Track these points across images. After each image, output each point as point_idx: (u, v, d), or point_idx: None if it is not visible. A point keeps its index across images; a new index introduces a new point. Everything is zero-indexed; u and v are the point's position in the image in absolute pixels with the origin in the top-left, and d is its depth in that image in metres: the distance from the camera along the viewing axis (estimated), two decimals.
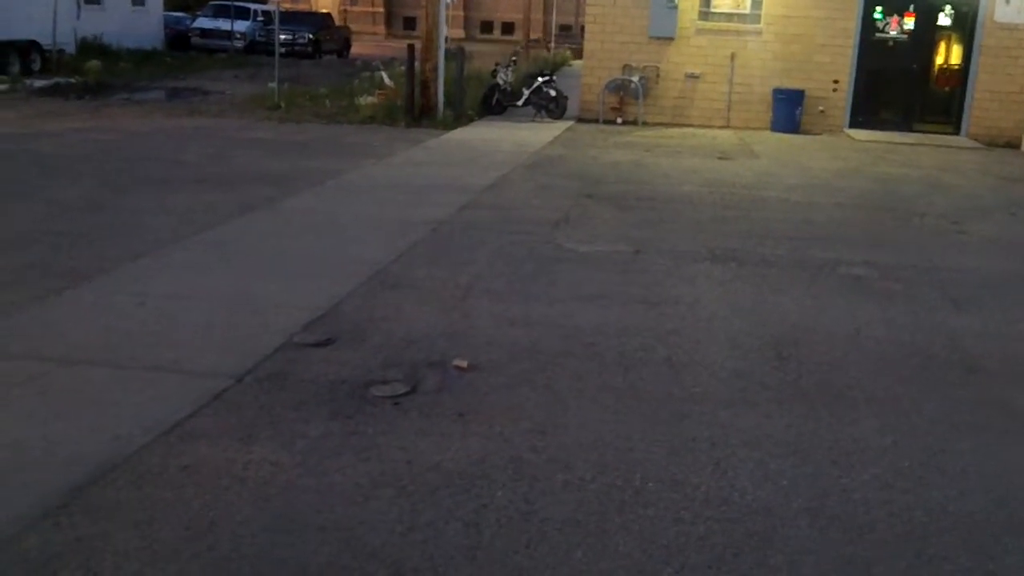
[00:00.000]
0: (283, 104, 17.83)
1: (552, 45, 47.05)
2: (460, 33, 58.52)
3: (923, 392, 5.04)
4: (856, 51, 18.16)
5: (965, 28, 18.07)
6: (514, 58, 21.53)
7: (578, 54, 31.64)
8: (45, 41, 22.88)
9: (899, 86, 18.54)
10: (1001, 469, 4.17)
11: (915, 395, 4.99)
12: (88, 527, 3.35)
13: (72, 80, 20.81)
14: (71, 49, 24.80)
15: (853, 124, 18.32)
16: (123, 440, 3.99)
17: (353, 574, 3.14)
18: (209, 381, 4.67)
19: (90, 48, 25.83)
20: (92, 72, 21.61)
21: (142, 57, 27.28)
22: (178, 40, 33.28)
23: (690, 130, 17.73)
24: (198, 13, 35.95)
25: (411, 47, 16.84)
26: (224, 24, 33.72)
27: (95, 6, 27.57)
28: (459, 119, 16.89)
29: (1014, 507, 3.83)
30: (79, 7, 26.05)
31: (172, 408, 4.33)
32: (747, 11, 18.20)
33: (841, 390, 5.01)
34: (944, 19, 18.33)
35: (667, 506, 3.70)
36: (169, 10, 34.48)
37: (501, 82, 18.69)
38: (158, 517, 3.42)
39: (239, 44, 33.68)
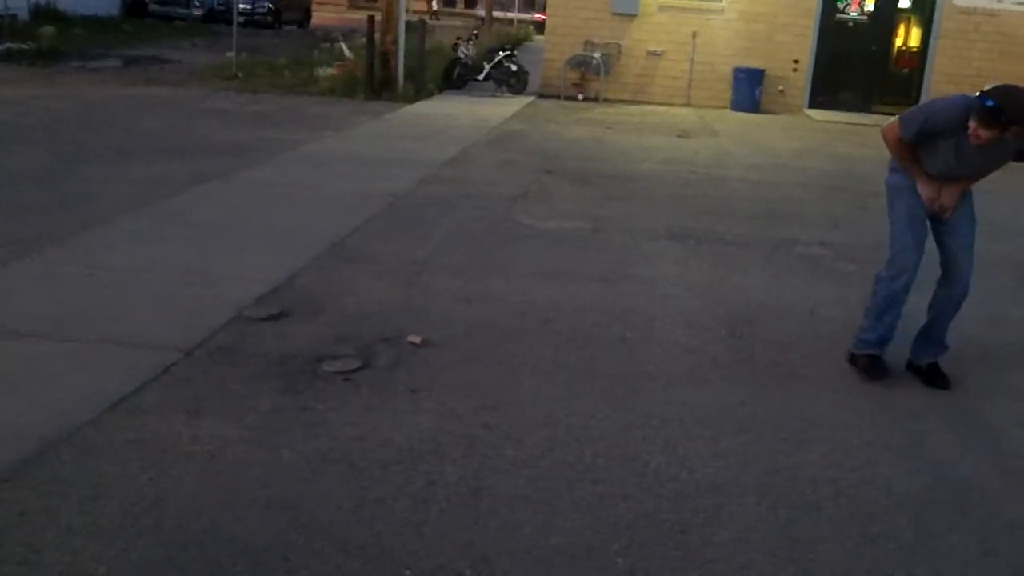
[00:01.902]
0: (241, 74, 17.63)
1: (516, 19, 46.81)
2: (423, 6, 58.02)
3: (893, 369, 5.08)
4: (817, 32, 18.25)
5: (924, 11, 18.21)
6: (475, 32, 21.41)
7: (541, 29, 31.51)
8: None
9: (859, 67, 18.66)
10: (946, 448, 4.22)
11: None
12: (32, 502, 3.29)
13: (24, 46, 20.39)
14: (24, 15, 24.32)
15: (813, 104, 18.43)
16: (68, 414, 3.93)
17: (300, 550, 3.12)
18: (158, 354, 4.61)
19: (43, 14, 25.38)
20: (45, 38, 21.18)
21: (98, 24, 26.81)
22: (135, 7, 32.73)
23: (651, 107, 17.74)
24: None
25: (371, 19, 16.70)
26: None
27: None
28: (420, 93, 16.78)
29: (958, 487, 3.87)
30: None
31: (119, 382, 4.26)
32: None
33: (794, 368, 5.04)
34: (904, 1, 18.45)
35: (617, 483, 3.71)
36: None
37: (462, 56, 18.59)
38: (103, 493, 3.37)
39: (198, 13, 33.21)
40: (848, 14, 18.41)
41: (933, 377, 4.95)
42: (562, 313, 5.64)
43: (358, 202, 8.17)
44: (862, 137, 15.38)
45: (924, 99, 18.09)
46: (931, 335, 5.00)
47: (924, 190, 4.78)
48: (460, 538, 3.25)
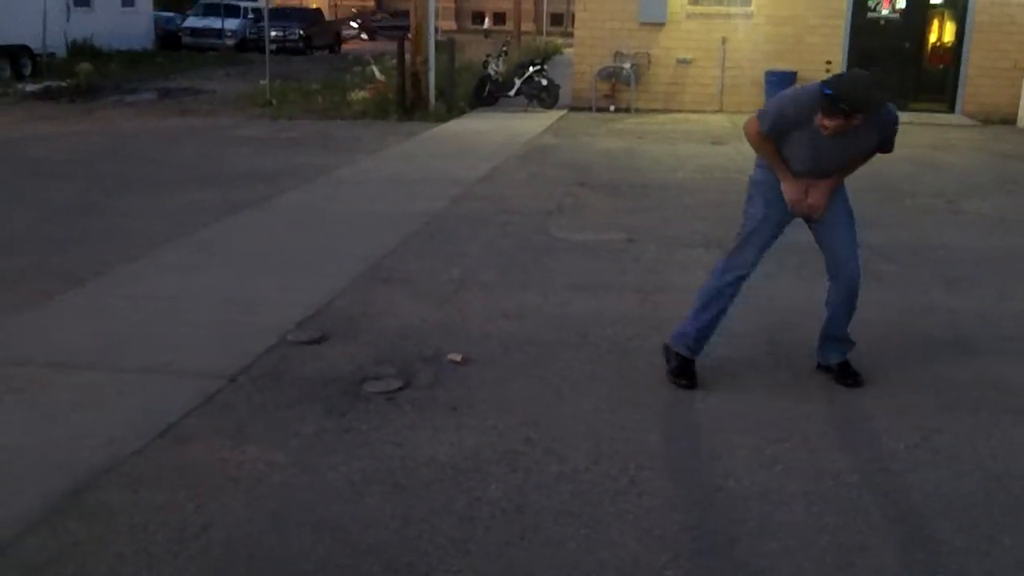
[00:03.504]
0: (275, 101, 17.80)
1: (544, 33, 46.95)
2: (452, 25, 58.36)
3: (917, 373, 5.03)
4: (848, 31, 18.11)
5: (957, 5, 18.02)
6: (505, 48, 21.48)
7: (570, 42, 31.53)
8: (35, 45, 22.79)
9: (892, 65, 18.49)
10: (997, 449, 4.17)
11: (909, 376, 4.98)
12: (83, 531, 3.34)
13: (63, 83, 20.77)
14: (61, 52, 24.74)
15: None
16: (117, 443, 3.99)
17: (347, 572, 3.14)
18: (202, 382, 4.67)
19: (80, 50, 25.78)
20: (83, 74, 21.54)
21: (133, 58, 27.22)
22: (169, 40, 33.20)
23: (683, 115, 17.70)
24: (188, 12, 35.84)
25: (401, 40, 16.82)
26: (214, 22, 33.62)
27: (84, 8, 27.51)
28: (451, 111, 16.85)
29: (1010, 487, 3.82)
30: (68, 9, 25.97)
31: (165, 410, 4.32)
32: None
33: (835, 374, 5.00)
34: None
35: (662, 495, 3.70)
36: (159, 9, 34.39)
37: (492, 73, 18.64)
38: (152, 520, 3.42)
39: (230, 42, 33.59)
40: (879, 12, 18.26)
41: (844, 376, 4.84)
42: (599, 325, 5.64)
43: (393, 223, 8.22)
44: (898, 136, 15.21)
45: (960, 94, 17.97)
46: (831, 335, 4.90)
47: (789, 191, 4.62)
48: (505, 555, 3.26)
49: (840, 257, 4.74)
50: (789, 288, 6.49)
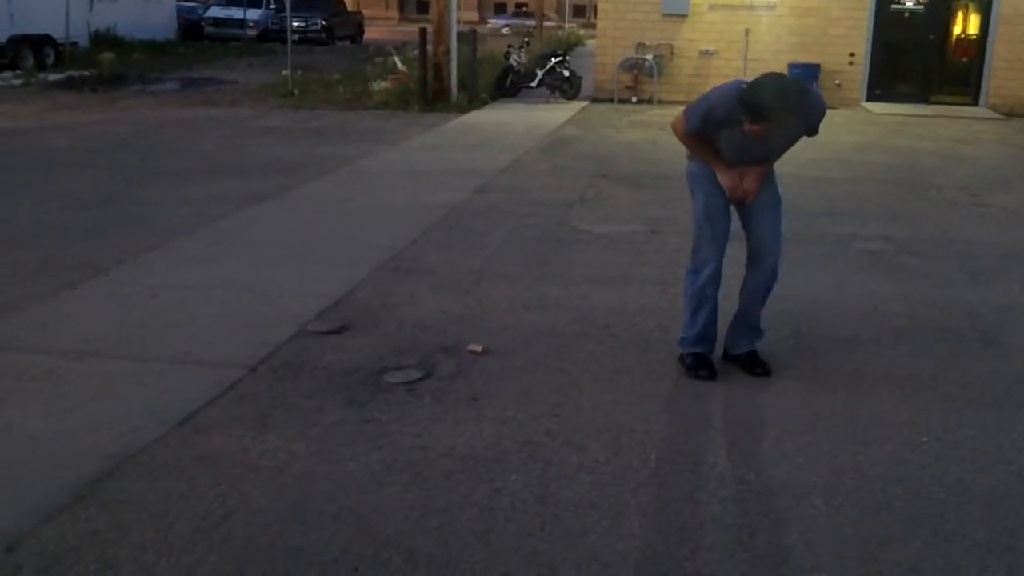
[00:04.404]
0: (297, 91, 17.83)
1: (566, 24, 46.84)
2: (474, 16, 58.31)
3: (940, 367, 5.00)
4: (872, 23, 17.98)
5: None
6: (527, 39, 21.44)
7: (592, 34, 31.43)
8: (58, 35, 22.91)
9: (916, 58, 18.37)
10: (1020, 443, 4.13)
11: (932, 370, 4.95)
12: (104, 520, 3.36)
13: (86, 73, 20.85)
14: (84, 42, 24.82)
15: (870, 97, 18.16)
16: (137, 432, 4.00)
17: (367, 562, 3.14)
18: (223, 371, 4.68)
19: (103, 40, 25.85)
20: (105, 64, 21.64)
21: (155, 48, 27.30)
22: (191, 30, 33.25)
23: None
24: (210, 2, 35.91)
25: (423, 31, 16.81)
26: (237, 12, 33.68)
27: None
28: (472, 102, 16.84)
29: None
30: (91, 0, 26.06)
31: (186, 399, 4.34)
32: None
33: (857, 366, 4.97)
34: None
35: (682, 486, 3.69)
36: (181, 0, 34.48)
37: (514, 64, 18.62)
38: (173, 509, 3.43)
39: (252, 32, 33.62)
40: (903, 4, 18.12)
41: (752, 365, 4.81)
42: (621, 317, 5.62)
43: (414, 214, 8.22)
44: (921, 129, 15.14)
45: (984, 87, 17.82)
46: (744, 322, 4.87)
47: (724, 179, 4.59)
48: (526, 546, 3.25)
49: (767, 244, 4.73)
50: (816, 280, 6.45)
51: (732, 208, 4.75)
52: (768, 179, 4.71)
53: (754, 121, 4.18)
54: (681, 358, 4.87)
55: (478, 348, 5.05)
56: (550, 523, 3.40)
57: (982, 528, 3.43)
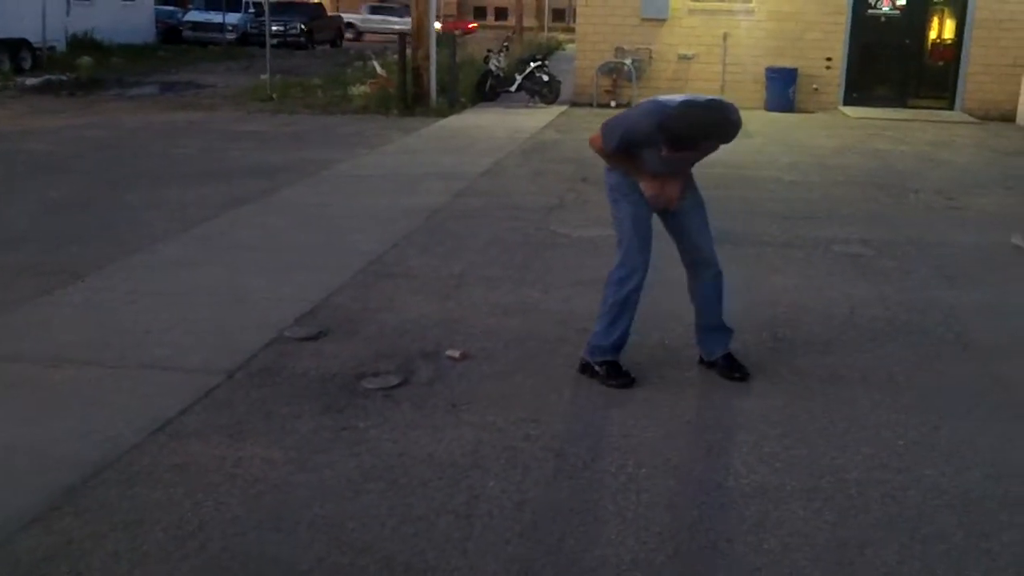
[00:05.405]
0: (276, 96, 17.78)
1: (545, 29, 46.87)
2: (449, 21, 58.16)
3: (917, 369, 5.02)
4: (849, 28, 18.10)
5: (958, 2, 17.98)
6: (506, 43, 21.44)
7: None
8: (35, 39, 22.76)
9: (893, 62, 18.50)
10: (996, 445, 4.15)
11: (909, 372, 4.97)
12: (79, 529, 3.33)
13: (64, 77, 20.73)
14: (62, 46, 24.70)
15: (847, 101, 18.27)
16: (113, 440, 3.97)
17: (344, 570, 3.12)
18: (200, 378, 4.65)
19: (81, 44, 25.76)
20: (83, 68, 21.54)
21: (134, 52, 27.20)
22: (170, 34, 33.18)
23: None
24: (189, 6, 35.80)
25: (402, 35, 16.80)
26: (216, 16, 33.51)
27: (85, 2, 27.46)
28: (453, 106, 16.83)
29: (1009, 483, 3.81)
30: (68, 4, 25.91)
31: (162, 406, 4.30)
32: None
33: (835, 369, 4.99)
34: None
35: (661, 492, 3.69)
36: (160, 4, 34.34)
37: (494, 68, 18.61)
38: (148, 517, 3.40)
39: (231, 36, 33.50)
40: (880, 8, 18.22)
41: (730, 370, 4.82)
42: None
43: (394, 218, 8.20)
44: (898, 133, 15.22)
45: (960, 91, 17.93)
46: (708, 327, 4.89)
47: (647, 187, 4.58)
48: (504, 552, 3.24)
49: (705, 254, 4.76)
50: (794, 283, 6.47)
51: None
52: (688, 183, 4.71)
53: (674, 149, 4.23)
54: (586, 367, 4.81)
55: (456, 353, 5.03)
56: (528, 529, 3.39)
57: (959, 531, 3.44)
